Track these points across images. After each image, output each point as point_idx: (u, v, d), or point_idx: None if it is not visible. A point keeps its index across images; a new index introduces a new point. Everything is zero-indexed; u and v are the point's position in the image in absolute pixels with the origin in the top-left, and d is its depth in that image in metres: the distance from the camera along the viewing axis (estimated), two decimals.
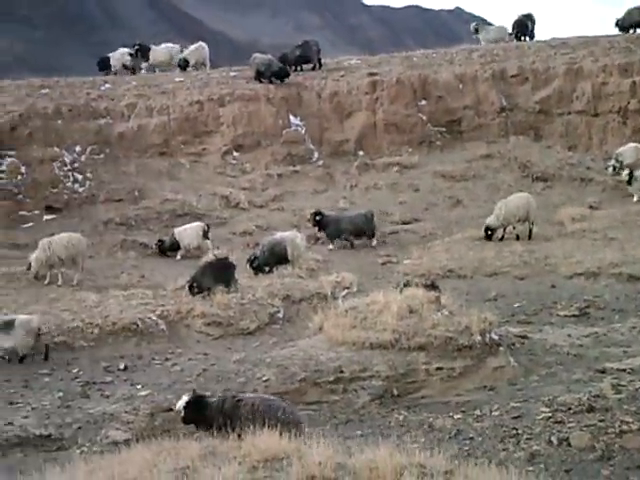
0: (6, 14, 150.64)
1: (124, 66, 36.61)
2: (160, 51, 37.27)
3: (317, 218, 26.83)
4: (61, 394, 16.54)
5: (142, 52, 37.24)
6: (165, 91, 33.77)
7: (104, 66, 36.86)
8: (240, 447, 10.69)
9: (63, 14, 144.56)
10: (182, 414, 13.16)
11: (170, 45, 37.85)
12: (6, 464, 14.19)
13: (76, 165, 29.57)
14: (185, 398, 13.21)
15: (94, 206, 28.70)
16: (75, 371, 17.87)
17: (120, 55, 36.94)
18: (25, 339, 18.31)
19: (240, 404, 12.92)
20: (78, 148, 30.17)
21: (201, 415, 13.00)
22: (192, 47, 37.75)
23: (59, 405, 16.02)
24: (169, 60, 37.15)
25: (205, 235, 26.42)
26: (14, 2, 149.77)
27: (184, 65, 36.68)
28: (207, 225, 26.78)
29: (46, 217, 27.99)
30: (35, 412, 15.71)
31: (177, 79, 35.33)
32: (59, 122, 30.33)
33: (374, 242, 27.05)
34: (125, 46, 38.13)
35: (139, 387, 16.73)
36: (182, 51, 37.29)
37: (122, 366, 18.10)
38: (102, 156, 30.58)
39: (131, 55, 36.78)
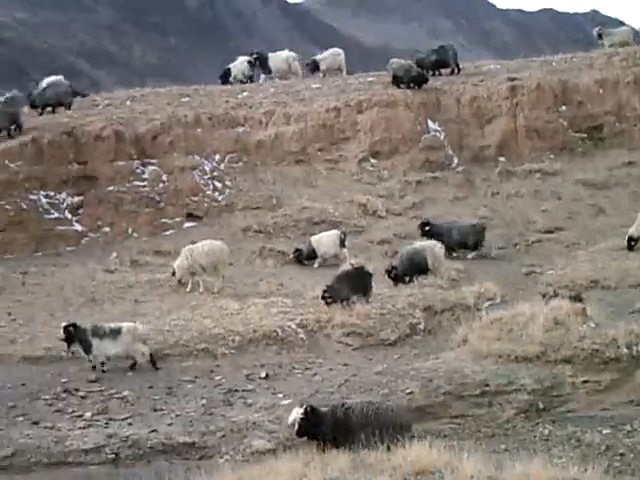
0: (139, 22, 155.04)
1: (243, 75, 36.78)
2: (277, 58, 37.38)
3: (426, 228, 26.31)
4: (204, 401, 16.86)
5: (261, 61, 37.23)
6: (302, 98, 34.01)
7: (226, 79, 36.85)
8: (389, 459, 10.66)
9: (196, 22, 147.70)
10: (296, 427, 13.15)
11: (287, 52, 37.99)
12: (151, 471, 14.55)
13: (215, 173, 30.08)
14: (299, 410, 13.22)
15: (233, 214, 29.10)
16: (218, 378, 18.17)
17: (240, 64, 37.14)
18: (132, 345, 18.77)
19: (350, 412, 12.90)
20: (217, 156, 30.69)
21: (315, 427, 12.98)
22: (326, 53, 37.83)
23: (203, 412, 16.32)
24: (287, 68, 37.21)
25: (342, 243, 26.44)
26: (147, 10, 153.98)
27: (313, 68, 36.76)
28: (344, 233, 26.79)
29: (187, 225, 28.56)
30: (179, 419, 16.05)
31: (314, 86, 35.53)
32: (199, 130, 30.92)
33: (471, 255, 26.41)
34: (243, 55, 38.30)
35: (280, 396, 16.89)
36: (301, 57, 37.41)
37: (263, 374, 18.31)
38: (240, 164, 31.00)
39: (250, 63, 36.96)
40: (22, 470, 14.96)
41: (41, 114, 30.99)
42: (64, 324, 19.13)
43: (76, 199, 28.06)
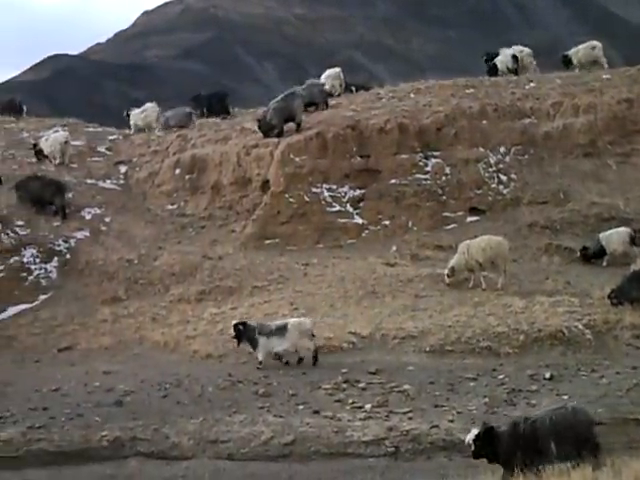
0: (418, 14, 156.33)
1: (508, 69, 36.18)
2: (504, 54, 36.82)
3: None
4: (487, 400, 16.92)
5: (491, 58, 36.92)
6: (591, 89, 33.08)
7: (494, 72, 36.56)
8: None
9: (476, 13, 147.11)
10: (472, 448, 12.81)
11: (519, 47, 37.20)
12: (431, 467, 14.76)
13: (501, 166, 29.82)
14: (474, 431, 12.87)
15: (518, 208, 28.72)
16: (500, 377, 18.19)
17: (504, 57, 36.61)
18: (299, 341, 19.52)
19: (536, 424, 12.39)
20: (502, 149, 30.42)
21: (493, 447, 12.58)
22: (580, 46, 36.75)
23: (485, 411, 16.38)
24: (512, 65, 36.39)
25: (632, 241, 25.52)
26: (426, 3, 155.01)
27: (567, 63, 35.82)
28: (634, 231, 25.83)
29: (469, 219, 28.51)
30: (461, 416, 16.20)
31: (604, 76, 34.45)
32: (484, 122, 30.77)
33: None
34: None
35: (565, 397, 16.64)
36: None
37: (547, 375, 18.15)
38: (526, 157, 30.57)
39: (514, 57, 36.32)
40: (302, 458, 15.69)
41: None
42: (234, 322, 20.44)
43: (358, 192, 28.74)
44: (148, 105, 37.49)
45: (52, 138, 33.50)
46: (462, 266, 23.60)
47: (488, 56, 36.89)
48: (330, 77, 35.97)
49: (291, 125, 29.98)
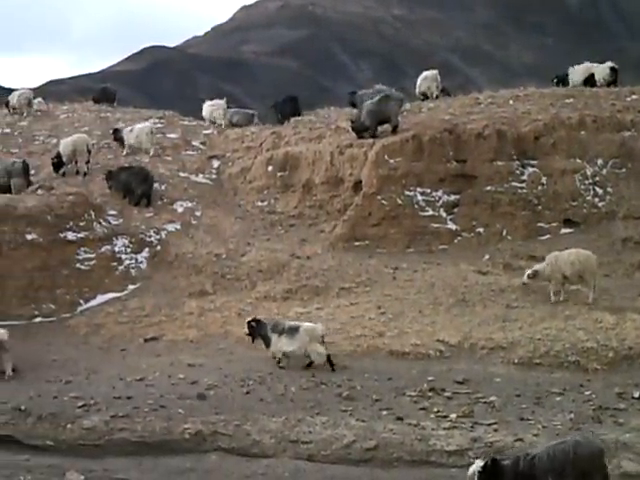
0: (517, 21, 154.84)
1: (604, 80, 35.51)
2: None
3: None
4: (572, 416, 16.72)
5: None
6: None
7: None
8: None
9: (576, 21, 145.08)
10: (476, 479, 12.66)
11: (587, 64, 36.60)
12: None
13: (597, 179, 29.30)
14: (479, 463, 12.68)
15: (613, 222, 28.18)
16: (587, 393, 17.96)
17: (602, 70, 36.01)
18: (308, 345, 19.86)
19: (535, 461, 12.19)
20: (600, 161, 29.86)
21: None
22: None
23: (570, 427, 16.17)
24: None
25: None
26: (526, 10, 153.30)
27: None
28: None
29: (563, 230, 28.11)
30: (545, 431, 16.03)
31: None
32: (582, 133, 30.27)
33: None
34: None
35: None
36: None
37: (637, 394, 17.86)
38: (624, 170, 29.96)
39: (612, 69, 35.63)
40: (383, 464, 15.71)
41: None
42: (248, 319, 20.98)
43: (452, 197, 28.54)
44: (217, 101, 39.19)
45: (137, 129, 34.19)
46: (545, 275, 23.29)
47: (558, 78, 36.31)
48: (427, 79, 36.00)
49: (386, 127, 29.94)
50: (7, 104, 39.63)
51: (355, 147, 30.00)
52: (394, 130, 29.72)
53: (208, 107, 39.10)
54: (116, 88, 45.59)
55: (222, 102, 39.07)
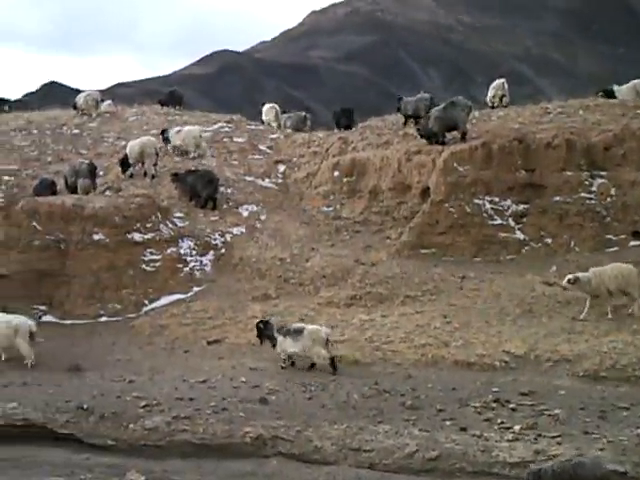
0: (586, 30, 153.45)
1: None
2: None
3: None
4: (639, 431, 16.36)
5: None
6: None
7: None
8: None
9: None
10: None
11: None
12: None
13: None
14: None
15: None
16: None
17: None
18: (311, 348, 20.45)
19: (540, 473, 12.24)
20: None
21: None
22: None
23: (637, 442, 15.84)
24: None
25: None
26: (595, 19, 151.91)
27: None
28: None
29: (632, 243, 27.65)
30: (611, 446, 15.71)
31: None
32: None
33: None
34: None
35: None
36: None
37: None
38: None
39: None
40: (445, 475, 15.53)
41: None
42: (257, 320, 21.79)
43: (521, 207, 28.22)
44: (269, 105, 41.18)
45: (185, 131, 34.51)
46: (587, 286, 22.94)
47: (604, 92, 35.65)
48: (494, 88, 35.85)
49: (455, 133, 29.84)
50: (74, 105, 40.31)
51: (423, 154, 29.87)
52: (463, 137, 29.59)
53: (265, 109, 40.69)
54: (183, 92, 46.12)
55: (273, 105, 40.80)
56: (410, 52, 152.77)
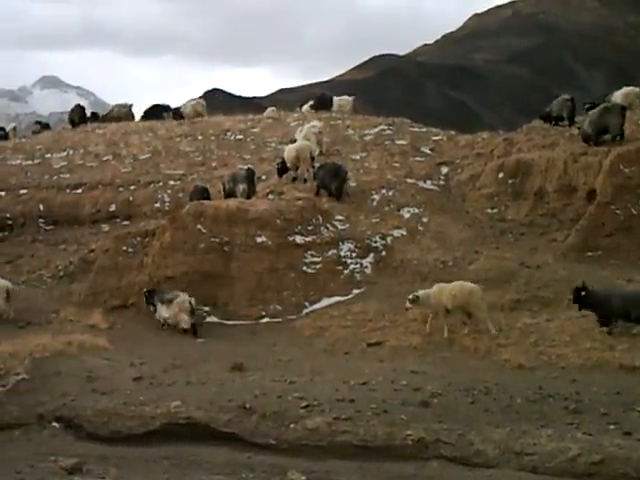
0: None
1: None
2: None
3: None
4: None
5: None
6: None
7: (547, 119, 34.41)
8: None
9: None
10: None
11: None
12: None
13: None
14: None
15: None
16: None
17: None
18: (178, 314, 25.26)
19: None
20: None
21: None
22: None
23: None
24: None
25: None
26: None
27: None
28: None
29: None
30: None
31: None
32: None
33: None
34: None
35: None
36: None
37: None
38: None
39: None
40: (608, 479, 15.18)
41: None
42: (145, 289, 26.61)
43: None
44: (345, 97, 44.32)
45: (305, 129, 34.78)
46: (427, 302, 23.19)
47: (590, 105, 33.50)
48: (621, 95, 34.48)
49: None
50: (179, 114, 41.68)
51: (590, 155, 29.28)
52: (613, 140, 29.25)
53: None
54: (331, 95, 46.69)
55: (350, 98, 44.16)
56: (573, 53, 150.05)
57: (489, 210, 31.03)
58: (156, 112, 46.18)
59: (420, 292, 23.61)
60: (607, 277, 25.36)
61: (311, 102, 45.99)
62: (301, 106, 46.80)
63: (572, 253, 27.21)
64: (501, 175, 31.61)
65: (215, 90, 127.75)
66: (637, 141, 28.82)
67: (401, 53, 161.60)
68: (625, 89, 33.95)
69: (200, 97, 51.76)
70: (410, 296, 23.54)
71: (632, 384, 18.89)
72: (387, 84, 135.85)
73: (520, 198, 30.76)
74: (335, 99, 44.78)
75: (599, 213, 27.62)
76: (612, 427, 16.68)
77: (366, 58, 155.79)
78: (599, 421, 17.05)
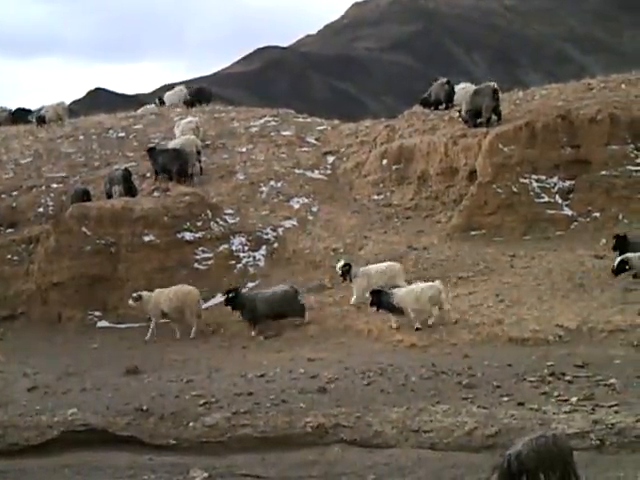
0: (630, 7, 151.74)
1: None
2: None
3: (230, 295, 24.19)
4: None
5: None
6: None
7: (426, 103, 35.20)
8: None
9: None
10: None
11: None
12: (635, 460, 14.50)
13: None
14: None
15: None
16: None
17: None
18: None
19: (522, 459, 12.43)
20: None
21: None
22: None
23: None
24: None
25: None
26: None
27: None
28: None
29: None
30: None
31: None
32: None
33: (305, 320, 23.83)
34: None
35: None
36: None
37: None
38: None
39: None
40: (506, 450, 15.50)
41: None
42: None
43: (567, 183, 28.17)
44: None
45: (182, 124, 34.89)
46: (147, 305, 24.40)
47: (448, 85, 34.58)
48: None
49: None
50: (42, 119, 40.83)
51: (469, 137, 29.92)
52: (488, 123, 29.96)
53: None
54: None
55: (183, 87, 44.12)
56: (454, 38, 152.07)
57: (375, 196, 31.47)
58: (22, 115, 44.83)
59: (144, 293, 24.37)
60: (492, 254, 26.04)
61: (170, 92, 44.99)
62: (160, 99, 45.97)
63: (457, 233, 27.86)
64: (385, 161, 32.06)
65: (98, 89, 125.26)
66: (515, 120, 29.50)
67: (285, 44, 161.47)
68: None
69: (83, 97, 50.60)
70: (134, 294, 24.27)
71: (522, 356, 19.34)
72: (272, 76, 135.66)
73: (404, 183, 31.28)
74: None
75: (480, 193, 28.29)
76: (505, 399, 17.10)
77: (250, 51, 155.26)
78: (493, 394, 17.47)
